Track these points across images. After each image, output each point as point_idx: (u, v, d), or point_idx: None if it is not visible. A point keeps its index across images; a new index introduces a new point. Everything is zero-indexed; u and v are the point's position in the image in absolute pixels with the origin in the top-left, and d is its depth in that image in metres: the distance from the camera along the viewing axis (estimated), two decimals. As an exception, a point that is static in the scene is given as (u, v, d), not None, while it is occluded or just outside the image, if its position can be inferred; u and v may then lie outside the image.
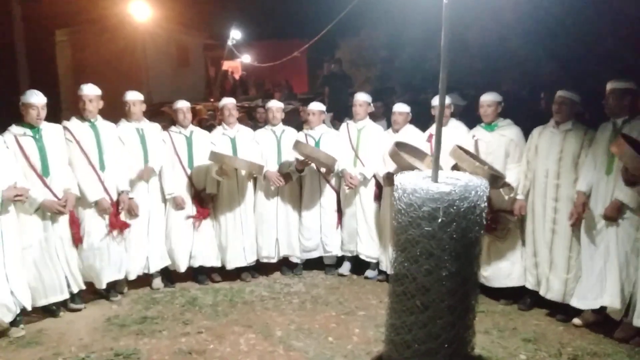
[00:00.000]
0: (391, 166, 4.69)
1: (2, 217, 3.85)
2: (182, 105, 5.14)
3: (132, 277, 4.92)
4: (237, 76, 23.93)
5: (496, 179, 4.01)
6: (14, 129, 4.19)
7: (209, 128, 6.05)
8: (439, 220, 2.91)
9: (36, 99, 4.20)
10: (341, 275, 5.46)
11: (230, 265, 5.27)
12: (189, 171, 5.07)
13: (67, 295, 4.38)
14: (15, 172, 4.00)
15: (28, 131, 4.20)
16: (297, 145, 4.93)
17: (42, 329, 4.19)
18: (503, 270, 4.56)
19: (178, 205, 5.00)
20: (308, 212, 5.40)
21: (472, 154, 4.34)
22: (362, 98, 5.32)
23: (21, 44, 15.30)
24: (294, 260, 5.52)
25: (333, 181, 5.42)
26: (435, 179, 3.09)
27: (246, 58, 23.49)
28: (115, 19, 15.17)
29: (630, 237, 3.75)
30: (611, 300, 3.79)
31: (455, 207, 2.93)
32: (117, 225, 4.62)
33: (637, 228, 3.72)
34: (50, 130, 4.33)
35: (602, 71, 6.83)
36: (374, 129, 5.35)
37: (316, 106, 5.46)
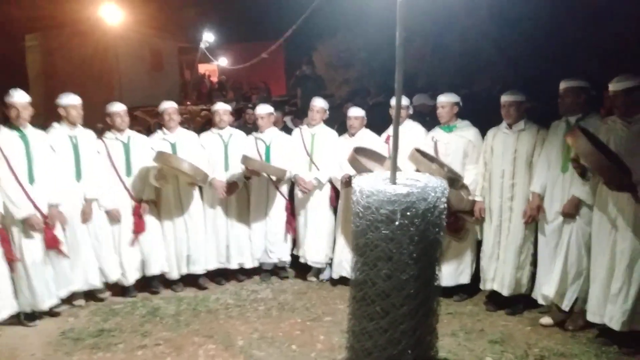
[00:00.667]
0: (350, 171, 4.61)
1: None
2: (118, 109, 4.80)
3: (79, 288, 4.67)
4: (214, 79, 23.71)
5: (454, 181, 3.97)
6: None
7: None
8: (397, 222, 2.81)
9: None
10: (320, 280, 5.36)
11: (174, 274, 5.10)
12: (126, 180, 4.81)
13: None
14: None
15: None
16: (245, 160, 4.83)
17: (-9, 344, 3.99)
18: (456, 269, 4.61)
19: (113, 218, 4.77)
20: (255, 219, 5.29)
21: (431, 156, 4.32)
22: (318, 104, 5.25)
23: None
24: (250, 267, 5.38)
25: (284, 188, 5.30)
26: (393, 180, 2.99)
27: (223, 61, 23.28)
28: (86, 23, 14.90)
29: (584, 233, 3.84)
30: (549, 290, 3.97)
31: (413, 209, 2.83)
32: (52, 244, 4.30)
33: (589, 223, 3.80)
34: None
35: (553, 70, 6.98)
36: (328, 133, 5.26)
37: (264, 109, 5.32)
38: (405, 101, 4.98)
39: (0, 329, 4.19)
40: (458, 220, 4.41)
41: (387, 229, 2.83)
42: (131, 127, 5.13)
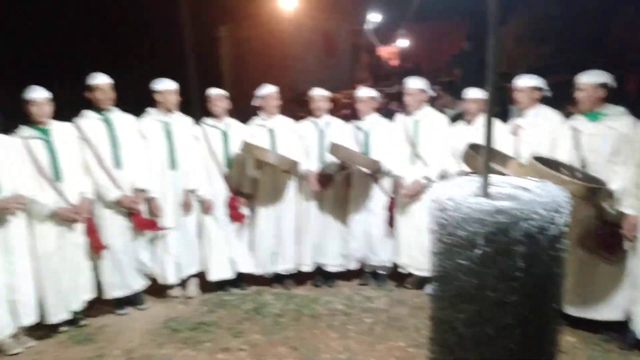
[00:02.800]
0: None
1: (10, 225, 3.61)
2: (215, 93, 4.56)
3: (170, 281, 4.59)
4: (393, 62, 23.21)
5: (596, 192, 2.85)
6: (22, 130, 3.80)
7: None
8: (479, 250, 2.00)
9: (37, 94, 3.78)
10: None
11: (266, 271, 4.78)
12: (224, 169, 4.58)
13: (80, 307, 4.12)
14: (21, 177, 3.66)
15: (36, 132, 3.81)
16: (333, 148, 4.22)
17: (105, 325, 4.18)
18: (604, 299, 3.50)
19: (206, 209, 4.57)
20: (354, 217, 4.65)
21: (558, 162, 3.23)
22: (412, 85, 4.41)
23: (189, 41, 16.74)
24: (330, 269, 4.81)
25: (385, 183, 4.55)
26: (484, 190, 2.15)
27: (403, 43, 22.61)
28: (265, 12, 15.66)
29: None
30: None
31: (506, 233, 1.98)
32: (145, 226, 4.29)
33: None
34: (61, 130, 3.94)
35: None
36: (436, 119, 4.35)
37: (364, 92, 4.61)
38: (532, 82, 3.87)
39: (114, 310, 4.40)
40: (614, 234, 3.23)
41: (465, 258, 2.04)
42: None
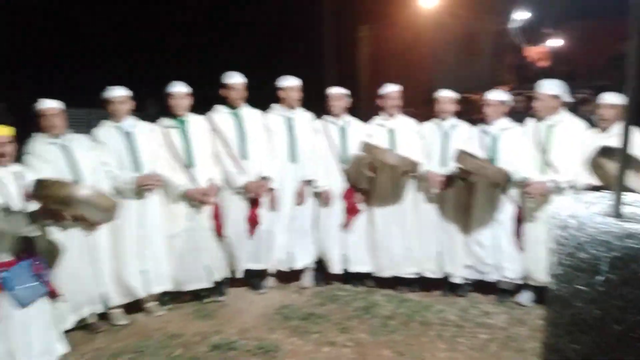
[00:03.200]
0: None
1: (147, 204, 4.09)
2: (334, 92, 4.63)
3: (282, 267, 4.78)
4: (542, 64, 21.56)
5: None
6: (163, 120, 4.31)
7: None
8: (602, 277, 1.78)
9: (176, 88, 4.27)
10: (520, 305, 4.32)
11: (385, 273, 4.67)
12: (341, 164, 4.62)
13: (208, 284, 4.43)
14: (159, 161, 4.16)
15: (174, 123, 4.28)
16: (460, 157, 3.98)
17: (227, 304, 4.50)
18: None
19: (324, 200, 4.63)
20: (477, 225, 4.36)
21: None
22: (544, 91, 4.07)
23: (329, 39, 17.18)
24: (456, 280, 4.54)
25: (512, 192, 4.19)
26: (616, 209, 1.90)
27: (554, 43, 20.87)
28: (406, 11, 15.48)
29: None
30: None
31: (638, 261, 1.73)
32: (252, 220, 4.52)
33: None
34: (195, 122, 4.36)
35: None
36: (573, 125, 3.90)
37: (494, 95, 4.29)
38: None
39: (236, 291, 4.71)
40: None
41: (585, 284, 1.82)
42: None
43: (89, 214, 3.26)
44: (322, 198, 4.66)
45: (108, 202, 3.35)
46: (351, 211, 4.67)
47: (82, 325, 3.91)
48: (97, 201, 3.19)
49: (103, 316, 4.05)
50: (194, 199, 4.23)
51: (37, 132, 3.75)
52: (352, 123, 4.70)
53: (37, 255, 3.24)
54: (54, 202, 3.07)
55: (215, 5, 13.85)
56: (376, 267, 4.74)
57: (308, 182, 4.65)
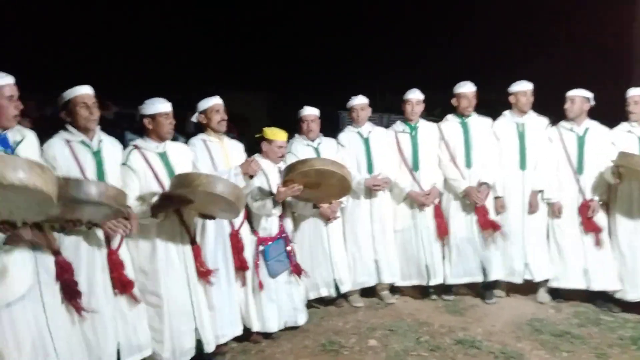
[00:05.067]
0: None
1: (377, 202, 4.56)
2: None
3: (516, 280, 4.61)
4: None
5: None
6: (397, 125, 4.76)
7: None
8: None
9: (413, 94, 4.58)
10: None
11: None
12: (578, 175, 4.28)
13: (427, 282, 4.61)
14: (389, 163, 4.57)
15: (406, 128, 4.64)
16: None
17: (476, 305, 4.64)
18: None
19: (555, 211, 4.35)
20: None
21: None
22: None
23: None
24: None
25: None
26: None
27: None
28: None
29: None
30: None
31: None
32: (488, 225, 4.43)
33: None
34: (425, 128, 4.65)
35: None
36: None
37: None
38: None
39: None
40: None
41: None
42: None
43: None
44: (553, 210, 4.46)
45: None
46: (589, 227, 4.34)
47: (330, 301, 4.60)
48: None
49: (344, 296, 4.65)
50: (416, 201, 4.55)
51: (296, 134, 4.55)
52: (593, 129, 4.37)
53: (287, 234, 4.02)
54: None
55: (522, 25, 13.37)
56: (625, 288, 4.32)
57: (539, 192, 4.48)
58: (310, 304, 4.49)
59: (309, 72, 13.20)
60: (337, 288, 4.47)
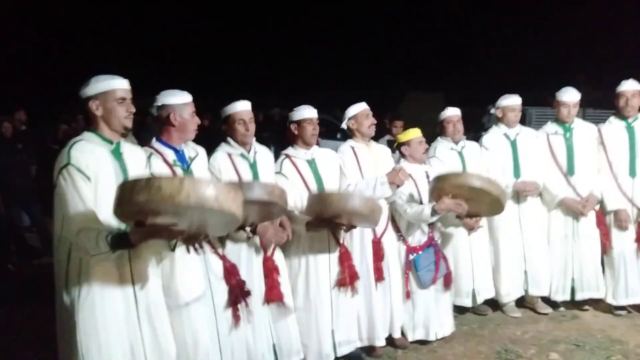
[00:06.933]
0: None
1: (525, 208, 4.31)
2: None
3: None
4: None
5: None
6: (548, 126, 4.44)
7: None
8: None
9: (569, 95, 4.27)
10: None
11: None
12: None
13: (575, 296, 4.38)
14: (539, 167, 4.29)
15: (560, 130, 4.32)
16: None
17: (579, 315, 4.44)
18: None
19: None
20: None
21: None
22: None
23: None
24: None
25: None
26: None
27: None
28: None
29: None
30: None
31: None
32: None
33: None
34: (582, 130, 4.32)
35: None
36: None
37: None
38: None
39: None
40: None
41: None
42: None
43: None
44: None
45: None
46: None
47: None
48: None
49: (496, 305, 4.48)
50: (572, 209, 4.26)
51: (440, 137, 4.39)
52: None
53: (437, 242, 3.92)
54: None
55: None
56: None
57: None
58: (474, 311, 4.43)
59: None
60: (474, 298, 4.31)
